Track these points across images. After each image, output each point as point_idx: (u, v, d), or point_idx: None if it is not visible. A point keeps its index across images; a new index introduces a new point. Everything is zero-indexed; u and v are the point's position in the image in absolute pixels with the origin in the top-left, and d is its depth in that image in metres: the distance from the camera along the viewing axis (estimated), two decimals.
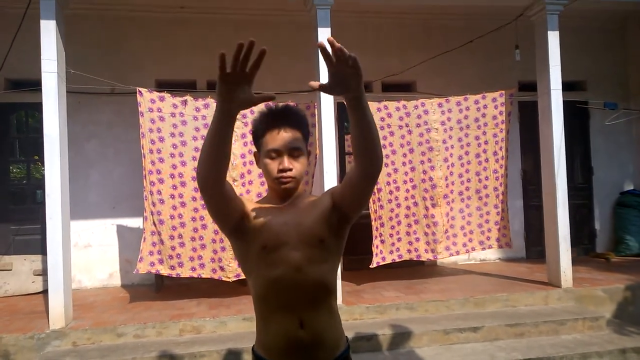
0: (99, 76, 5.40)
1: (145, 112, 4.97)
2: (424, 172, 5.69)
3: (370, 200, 5.48)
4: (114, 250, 6.39)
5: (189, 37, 6.62)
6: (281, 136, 1.51)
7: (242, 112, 5.45)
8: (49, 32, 4.41)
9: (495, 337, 4.44)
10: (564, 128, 5.37)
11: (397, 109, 5.65)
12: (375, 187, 5.46)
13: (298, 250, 1.49)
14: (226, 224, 1.53)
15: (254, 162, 5.44)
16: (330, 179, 4.90)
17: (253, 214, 1.53)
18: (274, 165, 1.52)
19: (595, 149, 7.70)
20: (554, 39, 5.33)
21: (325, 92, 1.28)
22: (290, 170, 1.52)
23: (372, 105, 5.59)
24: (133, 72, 6.28)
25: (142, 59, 6.48)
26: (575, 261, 5.50)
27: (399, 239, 5.65)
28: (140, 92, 4.97)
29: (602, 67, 7.67)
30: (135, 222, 6.29)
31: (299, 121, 1.57)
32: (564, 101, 5.40)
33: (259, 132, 1.57)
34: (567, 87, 6.00)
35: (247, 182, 5.22)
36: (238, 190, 5.17)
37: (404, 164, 5.66)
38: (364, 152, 1.39)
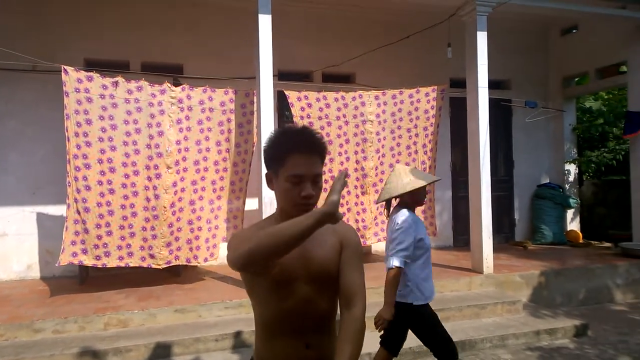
0: (21, 52, 5.02)
1: (71, 92, 4.66)
2: (357, 162, 5.84)
3: None
4: (33, 240, 5.98)
5: (123, 14, 6.27)
6: (305, 161, 1.45)
7: (178, 97, 5.23)
8: None
9: None
10: (490, 124, 5.69)
11: (336, 99, 5.72)
12: None
13: (309, 284, 1.51)
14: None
15: (189, 149, 5.28)
16: None
17: None
18: (295, 191, 1.45)
19: (516, 144, 8.23)
20: (482, 39, 5.62)
21: None
22: (313, 196, 1.47)
23: (312, 96, 5.62)
24: (59, 49, 5.88)
25: (69, 35, 6.06)
26: (496, 249, 5.88)
27: None
28: (65, 70, 4.66)
29: (525, 68, 8.20)
30: (58, 210, 5.91)
31: (322, 146, 1.51)
32: (490, 98, 5.72)
33: (279, 154, 1.48)
34: (493, 85, 6.36)
35: (182, 170, 5.07)
36: (172, 177, 5.01)
37: (339, 154, 5.76)
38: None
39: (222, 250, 5.89)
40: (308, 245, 1.49)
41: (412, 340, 4.25)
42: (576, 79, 8.69)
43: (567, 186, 8.37)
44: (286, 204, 1.49)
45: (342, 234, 1.60)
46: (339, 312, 1.59)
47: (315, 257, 1.52)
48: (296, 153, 1.45)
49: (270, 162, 1.51)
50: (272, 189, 1.53)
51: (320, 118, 5.59)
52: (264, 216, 4.85)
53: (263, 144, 1.56)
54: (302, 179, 1.44)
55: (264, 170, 5.28)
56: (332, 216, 1.26)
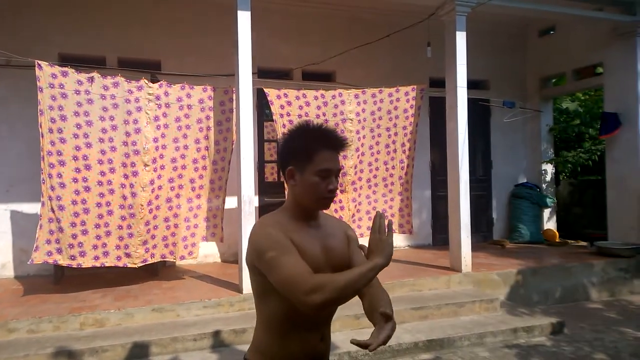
0: None
1: (45, 87, 4.56)
2: None
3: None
4: (7, 238, 5.84)
5: (99, 8, 6.15)
6: (334, 157, 1.57)
7: (155, 93, 5.16)
8: None
9: (402, 320, 4.67)
10: (468, 123, 5.75)
11: (315, 97, 5.70)
12: None
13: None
14: None
15: (167, 147, 5.23)
16: (247, 166, 4.84)
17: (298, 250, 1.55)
18: (323, 185, 1.54)
19: (494, 144, 8.34)
20: (461, 39, 5.67)
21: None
22: (336, 190, 1.58)
23: (291, 94, 5.60)
24: (33, 43, 5.75)
25: (44, 29, 5.92)
26: (474, 247, 5.93)
27: None
28: (39, 65, 4.55)
29: (504, 68, 8.31)
30: (32, 208, 5.79)
31: (344, 142, 1.62)
32: (468, 98, 5.77)
33: (308, 151, 1.55)
34: (472, 85, 6.42)
35: (159, 167, 5.00)
36: (149, 175, 4.94)
37: None
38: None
39: (202, 250, 5.84)
40: (327, 239, 1.63)
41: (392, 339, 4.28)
42: (553, 80, 8.84)
43: (544, 186, 8.51)
44: (310, 197, 1.56)
45: (345, 229, 1.76)
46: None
47: (335, 248, 1.64)
48: (328, 149, 1.55)
49: (296, 158, 1.57)
50: (293, 184, 1.59)
51: (300, 116, 5.57)
52: (243, 215, 4.82)
53: (286, 142, 1.63)
54: (330, 173, 1.55)
55: (244, 168, 5.16)
56: (386, 266, 1.44)
